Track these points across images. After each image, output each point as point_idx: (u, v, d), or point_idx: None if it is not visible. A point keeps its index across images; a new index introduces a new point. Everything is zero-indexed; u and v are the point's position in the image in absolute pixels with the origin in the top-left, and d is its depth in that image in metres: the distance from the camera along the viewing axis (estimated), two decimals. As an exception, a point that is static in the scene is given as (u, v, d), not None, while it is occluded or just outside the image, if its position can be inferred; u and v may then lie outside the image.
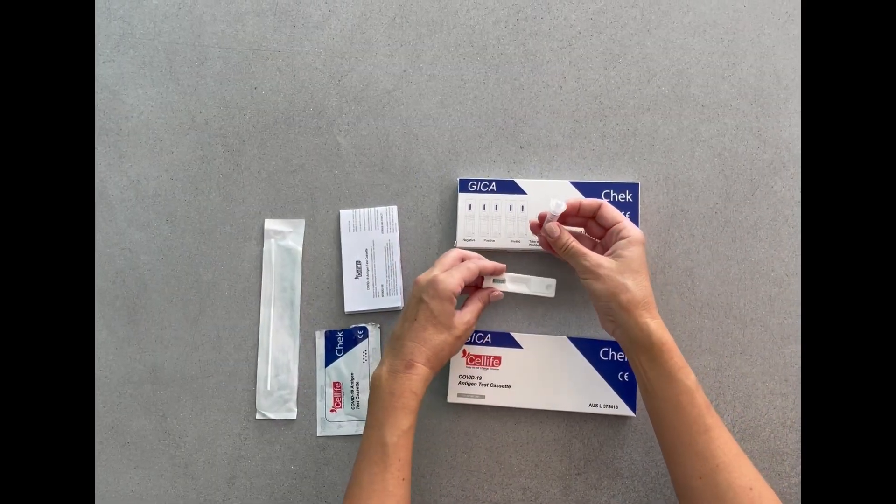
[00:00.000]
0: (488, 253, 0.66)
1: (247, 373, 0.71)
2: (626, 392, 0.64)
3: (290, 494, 0.69)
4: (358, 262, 0.70)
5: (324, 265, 0.71)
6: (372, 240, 0.70)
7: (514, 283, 0.64)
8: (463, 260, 0.61)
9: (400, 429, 0.55)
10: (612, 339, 0.66)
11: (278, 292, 0.71)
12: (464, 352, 0.66)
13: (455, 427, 0.68)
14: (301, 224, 0.72)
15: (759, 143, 0.68)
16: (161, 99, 0.75)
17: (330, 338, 0.70)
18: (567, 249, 0.59)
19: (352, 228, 0.71)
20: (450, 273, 0.58)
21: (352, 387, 0.69)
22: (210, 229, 0.73)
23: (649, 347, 0.54)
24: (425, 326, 0.57)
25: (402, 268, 0.70)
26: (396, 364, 0.57)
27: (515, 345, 0.66)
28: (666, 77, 0.69)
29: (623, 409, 0.64)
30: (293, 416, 0.70)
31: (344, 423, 0.69)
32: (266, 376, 0.70)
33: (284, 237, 0.72)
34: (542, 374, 0.65)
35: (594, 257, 0.57)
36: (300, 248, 0.71)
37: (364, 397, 0.69)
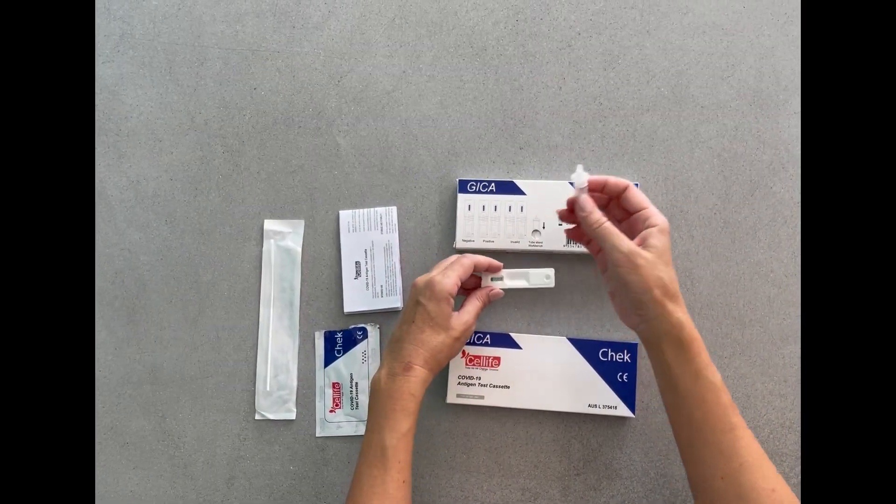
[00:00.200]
0: (487, 254, 0.66)
1: (246, 373, 0.71)
2: (626, 393, 0.64)
3: (290, 495, 0.69)
4: (357, 263, 0.70)
5: (323, 266, 0.71)
6: (371, 240, 0.70)
7: (512, 278, 0.63)
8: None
9: (399, 431, 0.55)
10: (613, 340, 0.66)
11: (278, 293, 0.71)
12: (463, 352, 0.66)
13: (454, 427, 0.68)
14: (300, 224, 0.72)
15: (759, 144, 0.68)
16: (161, 99, 0.75)
17: (329, 338, 0.70)
18: (601, 229, 0.55)
19: (351, 229, 0.71)
20: (445, 274, 0.58)
21: (351, 387, 0.69)
22: (209, 230, 0.73)
23: (679, 343, 0.52)
24: (422, 328, 0.57)
25: (401, 268, 0.70)
26: (395, 367, 0.57)
27: (514, 345, 0.66)
28: (665, 78, 0.69)
29: (622, 410, 0.64)
30: (292, 416, 0.70)
31: (343, 423, 0.69)
32: (265, 377, 0.70)
33: (284, 238, 0.72)
34: (542, 375, 0.65)
35: (629, 245, 0.53)
36: (299, 249, 0.71)
37: (363, 398, 0.69)
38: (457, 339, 0.58)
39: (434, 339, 0.57)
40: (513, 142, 0.70)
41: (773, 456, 0.64)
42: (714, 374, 0.52)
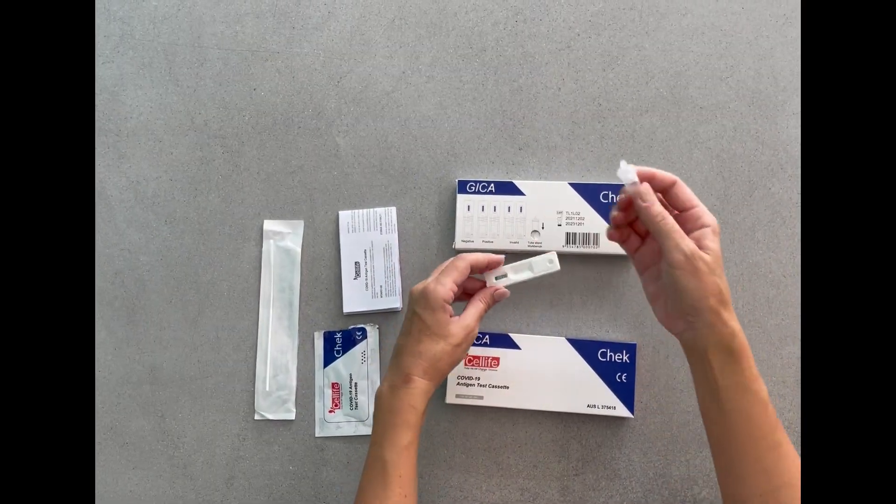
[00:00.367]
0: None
1: (245, 373, 0.71)
2: (624, 393, 0.64)
3: (289, 495, 0.69)
4: (357, 263, 0.70)
5: (322, 266, 0.71)
6: (371, 241, 0.70)
7: (516, 272, 0.60)
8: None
9: (399, 445, 0.54)
10: (612, 340, 0.66)
11: (277, 293, 0.71)
12: (462, 353, 0.66)
13: (453, 428, 0.68)
14: (300, 225, 0.72)
15: (758, 145, 0.68)
16: (160, 100, 0.75)
17: (328, 338, 0.70)
18: (663, 223, 0.50)
19: (350, 229, 0.71)
20: (439, 280, 0.56)
21: (350, 388, 0.69)
22: (209, 230, 0.73)
23: (729, 352, 0.49)
24: (420, 339, 0.55)
25: (400, 269, 0.70)
26: (395, 379, 0.56)
27: (514, 346, 0.66)
28: (664, 79, 0.69)
29: (621, 410, 0.64)
30: (292, 416, 0.70)
31: (342, 423, 0.69)
32: (265, 377, 0.70)
33: (283, 238, 0.72)
34: (541, 375, 0.65)
35: (691, 246, 0.49)
36: (299, 249, 0.72)
37: (362, 398, 0.69)
38: (457, 345, 0.56)
39: (433, 349, 0.55)
40: (512, 142, 0.70)
41: (772, 456, 0.64)
42: (762, 388, 0.49)
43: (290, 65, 0.74)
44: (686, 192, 0.52)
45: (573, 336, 0.67)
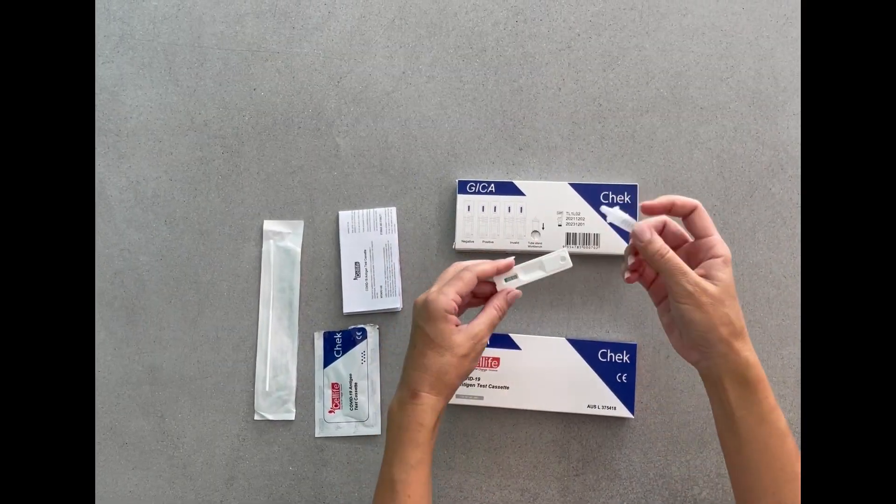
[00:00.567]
0: (487, 255, 0.66)
1: (245, 373, 0.71)
2: (625, 393, 0.64)
3: (289, 495, 0.69)
4: (357, 264, 0.70)
5: (322, 266, 0.71)
6: (371, 241, 0.70)
7: (527, 272, 0.57)
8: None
9: (408, 464, 0.52)
10: (612, 340, 0.66)
11: (277, 293, 0.71)
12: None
13: (453, 428, 0.68)
14: (300, 225, 0.72)
15: (758, 146, 0.68)
16: (160, 100, 0.75)
17: (328, 339, 0.70)
18: (664, 261, 0.50)
19: (350, 229, 0.71)
20: (442, 290, 0.53)
21: (350, 388, 0.69)
22: (209, 230, 0.73)
23: (745, 383, 0.49)
24: (424, 352, 0.53)
25: (400, 269, 0.70)
26: (403, 395, 0.54)
27: (514, 346, 0.66)
28: (664, 79, 0.69)
29: (621, 411, 0.64)
30: (291, 416, 0.70)
31: (342, 424, 0.69)
32: (265, 377, 0.70)
33: (283, 238, 0.72)
34: (541, 376, 0.65)
35: (694, 278, 0.50)
36: (299, 249, 0.72)
37: (362, 398, 0.69)
38: (463, 356, 0.53)
39: (437, 362, 0.53)
40: (512, 143, 0.70)
41: (772, 457, 0.64)
42: (780, 419, 0.49)
43: (290, 65, 0.74)
44: (705, 220, 0.53)
45: (573, 336, 0.67)
